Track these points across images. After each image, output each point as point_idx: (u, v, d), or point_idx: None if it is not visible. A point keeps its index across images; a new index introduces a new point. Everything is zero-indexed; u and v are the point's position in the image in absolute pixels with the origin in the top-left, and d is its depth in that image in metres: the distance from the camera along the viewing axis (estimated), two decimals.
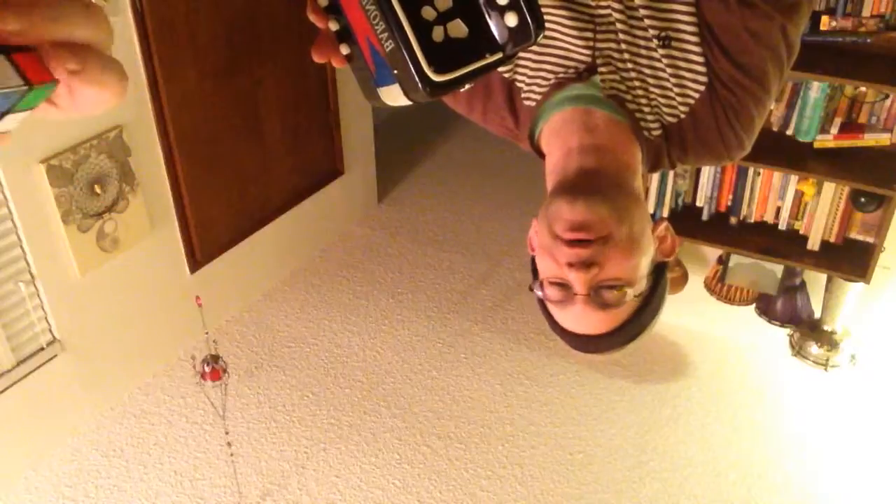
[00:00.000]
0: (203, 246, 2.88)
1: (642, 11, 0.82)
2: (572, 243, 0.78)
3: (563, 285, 0.82)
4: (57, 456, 2.55)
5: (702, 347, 3.02)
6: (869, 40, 2.51)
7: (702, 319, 3.12)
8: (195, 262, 2.88)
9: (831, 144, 2.65)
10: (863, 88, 2.60)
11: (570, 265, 0.79)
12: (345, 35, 0.56)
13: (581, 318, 0.83)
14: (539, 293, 0.85)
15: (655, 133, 0.88)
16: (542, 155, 0.93)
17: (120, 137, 2.44)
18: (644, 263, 0.83)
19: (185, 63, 2.59)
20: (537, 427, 2.69)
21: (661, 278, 0.88)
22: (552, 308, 0.86)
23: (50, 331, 2.46)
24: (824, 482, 2.49)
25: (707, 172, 2.85)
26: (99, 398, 2.70)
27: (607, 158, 0.84)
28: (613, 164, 0.84)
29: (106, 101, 0.41)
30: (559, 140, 0.87)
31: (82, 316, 2.53)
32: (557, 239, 0.79)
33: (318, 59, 0.58)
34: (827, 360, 2.90)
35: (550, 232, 0.80)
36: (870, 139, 2.64)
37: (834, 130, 2.64)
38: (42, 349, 2.45)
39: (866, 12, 2.49)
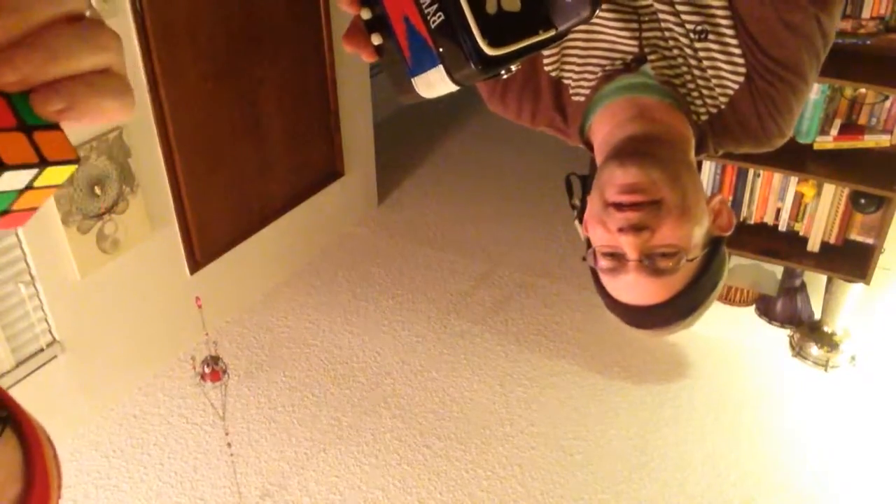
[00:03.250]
0: (203, 247, 2.89)
1: (679, 7, 0.83)
2: (623, 207, 0.77)
3: (616, 255, 0.81)
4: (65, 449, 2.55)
5: (702, 348, 3.02)
6: (869, 42, 2.51)
7: (702, 320, 3.12)
8: (195, 263, 2.88)
9: (831, 146, 2.65)
10: (862, 90, 2.60)
11: (622, 230, 0.77)
12: (377, 24, 0.54)
13: (634, 287, 0.82)
14: (591, 264, 0.84)
15: (703, 118, 0.89)
16: (592, 149, 0.93)
17: (120, 138, 2.44)
18: (698, 233, 0.82)
19: (185, 63, 2.59)
20: (537, 427, 2.69)
21: (718, 251, 0.87)
22: (605, 280, 0.85)
23: (50, 332, 2.46)
24: (825, 483, 2.49)
25: (707, 173, 2.85)
26: (99, 399, 2.70)
27: (659, 127, 0.84)
28: (665, 132, 0.84)
29: (107, 121, 0.40)
30: (610, 121, 0.87)
31: (82, 317, 2.53)
32: (609, 206, 0.78)
33: (349, 48, 0.57)
34: (827, 360, 2.91)
35: (602, 199, 0.79)
36: (870, 140, 2.64)
37: (834, 132, 2.64)
38: (42, 350, 2.45)
39: (866, 14, 2.49)
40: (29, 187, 0.38)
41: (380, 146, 3.84)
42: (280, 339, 3.08)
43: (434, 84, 0.53)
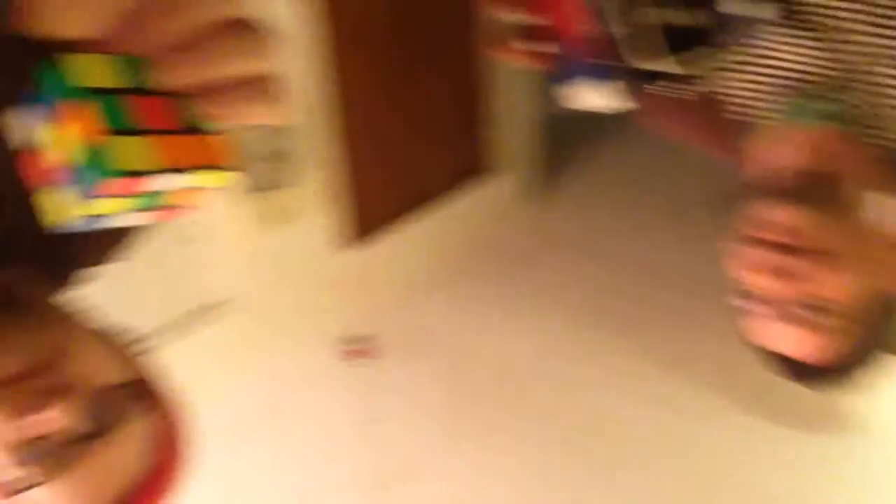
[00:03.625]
0: (366, 226, 2.97)
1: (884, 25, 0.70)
2: (779, 248, 0.70)
3: (767, 299, 0.74)
4: (211, 408, 2.70)
5: (885, 404, 2.67)
6: None
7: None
8: (358, 241, 2.96)
9: None
10: None
11: (770, 272, 0.71)
12: (534, 29, 0.52)
13: (781, 336, 0.75)
14: (739, 303, 0.79)
15: None
16: (755, 171, 0.84)
17: (297, 114, 2.54)
18: (867, 292, 0.73)
19: (358, 41, 2.67)
20: (681, 462, 2.51)
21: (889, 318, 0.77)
22: (753, 323, 0.79)
23: (215, 292, 2.62)
24: None
25: None
26: (252, 362, 2.83)
27: (834, 165, 0.74)
28: (845, 170, 0.74)
29: (258, 123, 0.42)
30: (777, 147, 0.79)
31: (246, 281, 2.68)
32: (762, 243, 0.72)
33: (496, 53, 0.55)
34: None
35: (755, 234, 0.73)
36: None
37: None
38: (206, 308, 2.62)
39: None
40: (186, 188, 0.39)
41: (545, 143, 3.75)
42: (430, 328, 3.09)
43: (595, 95, 0.53)
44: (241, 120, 0.40)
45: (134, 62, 0.36)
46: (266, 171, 2.49)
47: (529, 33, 0.52)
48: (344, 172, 2.80)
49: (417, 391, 2.79)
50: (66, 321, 0.68)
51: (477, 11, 3.06)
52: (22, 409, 0.59)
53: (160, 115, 0.37)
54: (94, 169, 0.35)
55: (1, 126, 0.40)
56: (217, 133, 0.40)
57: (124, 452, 0.66)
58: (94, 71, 0.35)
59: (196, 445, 0.77)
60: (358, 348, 2.25)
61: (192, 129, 0.39)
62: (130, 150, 0.35)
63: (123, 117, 0.35)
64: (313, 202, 2.70)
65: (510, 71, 3.23)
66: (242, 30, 0.39)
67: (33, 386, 0.60)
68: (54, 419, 0.60)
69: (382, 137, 2.88)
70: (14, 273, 0.68)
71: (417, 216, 3.19)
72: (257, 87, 0.40)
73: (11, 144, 0.40)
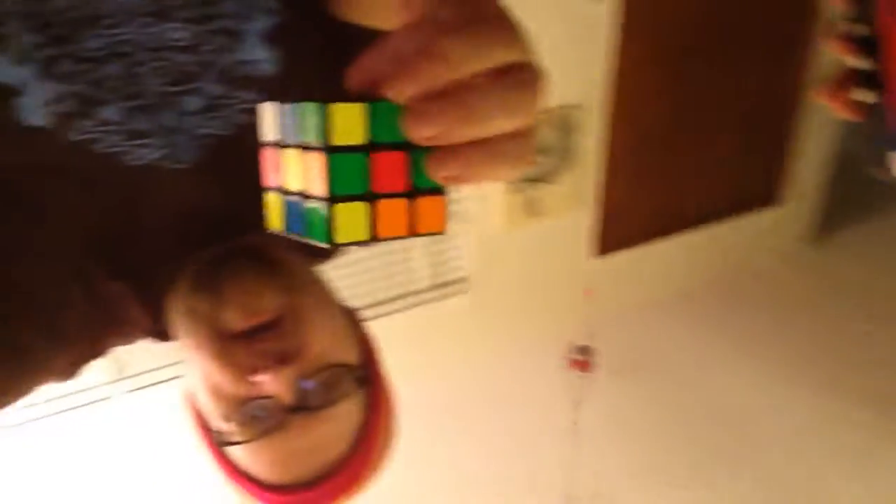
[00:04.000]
0: (613, 235, 2.91)
1: None
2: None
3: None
4: (433, 377, 2.86)
5: None
6: None
7: None
8: (601, 249, 2.92)
9: None
10: None
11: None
12: (871, 78, 0.46)
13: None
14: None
15: None
16: None
17: (572, 115, 2.54)
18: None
19: (646, 58, 2.57)
20: None
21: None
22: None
23: (463, 269, 2.75)
24: None
25: None
26: (479, 342, 2.95)
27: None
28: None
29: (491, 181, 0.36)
30: None
31: (492, 265, 2.77)
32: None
33: (824, 99, 0.48)
34: None
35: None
36: None
37: None
38: (453, 282, 2.75)
39: None
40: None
41: (835, 177, 3.38)
42: (659, 351, 2.98)
43: None
44: (482, 181, 0.35)
45: (388, 110, 0.34)
46: (535, 165, 2.53)
47: (867, 82, 0.45)
48: (608, 181, 2.76)
49: (623, 411, 2.72)
50: (313, 290, 0.67)
51: (797, 38, 2.82)
52: (250, 367, 0.59)
53: (392, 174, 0.35)
54: (304, 226, 0.36)
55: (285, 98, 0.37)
56: (443, 195, 0.37)
57: (332, 432, 0.64)
58: (347, 123, 0.34)
59: (393, 442, 0.74)
60: (583, 359, 2.23)
61: (420, 191, 0.36)
62: (348, 219, 0.34)
63: (355, 181, 0.34)
64: (570, 204, 2.71)
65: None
66: (509, 81, 0.34)
67: (266, 347, 0.60)
68: (277, 384, 0.59)
69: (657, 152, 2.78)
70: (269, 236, 0.67)
71: (677, 235, 3.06)
72: (513, 146, 0.35)
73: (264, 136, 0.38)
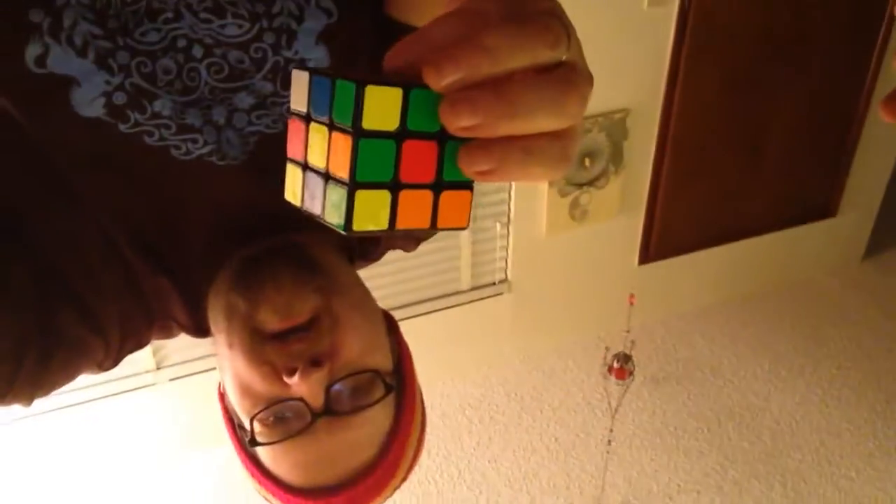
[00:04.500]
0: (660, 243, 2.88)
1: None
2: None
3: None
4: (470, 377, 2.88)
5: None
6: None
7: None
8: (646, 256, 2.90)
9: None
10: None
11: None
12: None
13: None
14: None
15: None
16: None
17: (623, 121, 2.52)
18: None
19: (706, 65, 2.53)
20: None
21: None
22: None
23: (505, 271, 2.75)
24: None
25: None
26: (518, 343, 2.95)
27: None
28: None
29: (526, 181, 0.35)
30: None
31: (535, 268, 2.77)
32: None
33: (890, 118, 0.47)
34: None
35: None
36: None
37: None
38: (494, 283, 2.76)
39: None
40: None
41: (893, 191, 3.29)
42: (698, 360, 2.95)
43: None
44: (514, 180, 0.33)
45: (424, 98, 0.32)
46: (582, 168, 2.52)
47: None
48: (657, 188, 2.73)
49: (660, 419, 2.69)
50: (350, 293, 0.67)
51: (863, 49, 2.74)
52: (281, 368, 0.59)
53: (420, 164, 0.34)
54: (322, 208, 0.34)
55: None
56: (470, 190, 0.35)
57: (360, 438, 0.64)
58: (381, 108, 0.32)
59: (421, 449, 0.73)
60: (622, 367, 2.22)
61: (447, 185, 0.35)
62: (369, 206, 0.33)
63: (382, 169, 0.33)
64: (617, 209, 2.69)
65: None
66: (555, 80, 0.32)
67: (299, 349, 0.60)
68: (307, 387, 0.59)
69: (710, 159, 2.73)
70: (310, 236, 0.67)
71: (723, 243, 3.01)
72: (551, 147, 0.33)
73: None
